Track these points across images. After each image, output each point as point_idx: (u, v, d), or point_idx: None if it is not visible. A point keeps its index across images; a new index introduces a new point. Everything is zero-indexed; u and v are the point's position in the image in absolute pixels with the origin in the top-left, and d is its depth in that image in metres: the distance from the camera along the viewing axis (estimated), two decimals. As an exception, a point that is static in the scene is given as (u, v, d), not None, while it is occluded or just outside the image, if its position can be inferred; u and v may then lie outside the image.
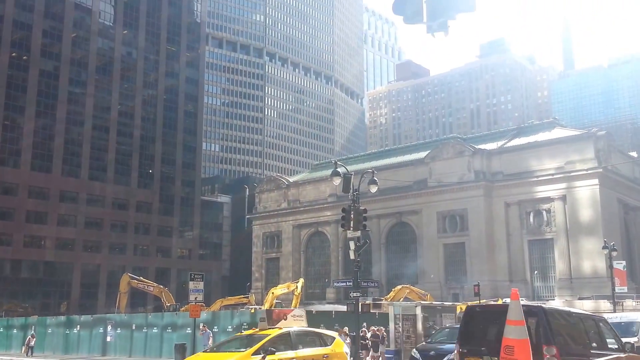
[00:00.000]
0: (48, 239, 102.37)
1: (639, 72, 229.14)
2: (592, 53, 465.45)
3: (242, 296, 70.43)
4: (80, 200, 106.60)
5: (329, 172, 36.35)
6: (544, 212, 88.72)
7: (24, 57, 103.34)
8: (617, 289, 59.01)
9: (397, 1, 13.24)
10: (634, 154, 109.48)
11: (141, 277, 63.93)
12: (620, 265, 63.59)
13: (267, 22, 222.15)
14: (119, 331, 45.30)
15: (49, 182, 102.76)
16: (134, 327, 46.26)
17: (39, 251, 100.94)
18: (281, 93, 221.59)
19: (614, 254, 58.35)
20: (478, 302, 58.94)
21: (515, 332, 11.66)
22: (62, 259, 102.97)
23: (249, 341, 18.44)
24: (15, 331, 56.40)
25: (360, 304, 31.55)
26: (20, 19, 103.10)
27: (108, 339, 45.08)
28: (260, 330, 19.19)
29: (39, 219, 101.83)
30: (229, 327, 39.47)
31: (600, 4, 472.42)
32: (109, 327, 44.75)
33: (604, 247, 58.49)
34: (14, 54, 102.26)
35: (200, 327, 35.29)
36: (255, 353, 17.13)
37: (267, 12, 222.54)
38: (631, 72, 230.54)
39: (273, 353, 17.07)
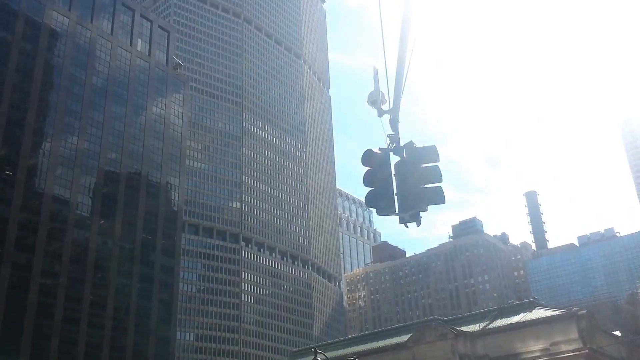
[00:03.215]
0: None
1: (611, 250, 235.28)
2: (563, 231, 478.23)
3: None
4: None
5: (308, 359, 34.91)
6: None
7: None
8: None
9: (370, 194, 13.95)
10: (617, 333, 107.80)
11: None
12: None
13: (243, 208, 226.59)
14: None
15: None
16: None
17: None
18: (258, 278, 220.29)
19: None
20: None
21: None
22: None
23: None
24: None
25: None
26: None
27: None
28: None
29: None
30: None
31: (567, 183, 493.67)
32: None
33: None
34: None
35: None
36: None
37: (243, 199, 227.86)
38: (603, 251, 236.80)
39: None
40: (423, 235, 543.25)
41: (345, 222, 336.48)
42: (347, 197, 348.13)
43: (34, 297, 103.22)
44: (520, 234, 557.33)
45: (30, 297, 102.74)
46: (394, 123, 14.41)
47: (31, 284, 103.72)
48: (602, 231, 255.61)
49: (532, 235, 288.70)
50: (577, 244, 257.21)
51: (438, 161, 14.00)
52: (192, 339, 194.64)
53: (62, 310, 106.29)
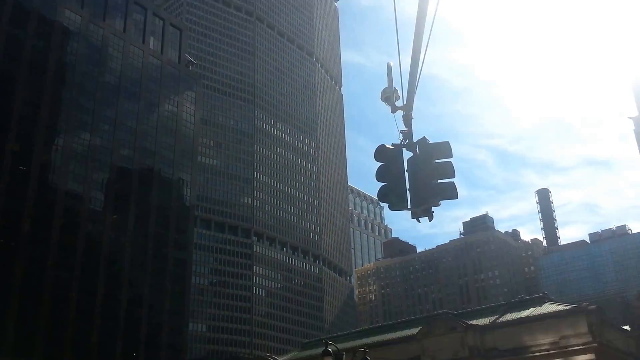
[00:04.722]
0: None
1: (621, 248, 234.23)
2: (574, 228, 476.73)
3: None
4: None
5: (319, 350, 35.65)
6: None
7: (12, 244, 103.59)
8: None
9: (382, 189, 13.92)
10: (626, 327, 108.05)
11: None
12: None
13: (255, 204, 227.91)
14: None
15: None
16: None
17: None
18: (269, 272, 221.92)
19: None
20: None
21: None
22: None
23: None
24: None
25: None
26: (9, 207, 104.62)
27: None
28: None
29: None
30: None
31: (579, 181, 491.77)
32: None
33: None
34: (1, 241, 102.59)
35: None
36: None
37: (255, 194, 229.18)
38: (614, 248, 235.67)
39: None
40: (433, 232, 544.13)
41: (356, 219, 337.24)
42: (358, 194, 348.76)
43: (48, 290, 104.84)
44: (531, 231, 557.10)
45: (45, 289, 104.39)
46: (407, 119, 14.32)
47: (46, 277, 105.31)
48: (614, 228, 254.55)
49: (543, 232, 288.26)
50: (589, 241, 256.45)
51: (451, 157, 13.92)
52: (204, 330, 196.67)
53: (76, 303, 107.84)
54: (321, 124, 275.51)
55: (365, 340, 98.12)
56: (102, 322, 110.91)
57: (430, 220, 13.64)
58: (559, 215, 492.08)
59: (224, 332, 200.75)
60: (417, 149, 13.98)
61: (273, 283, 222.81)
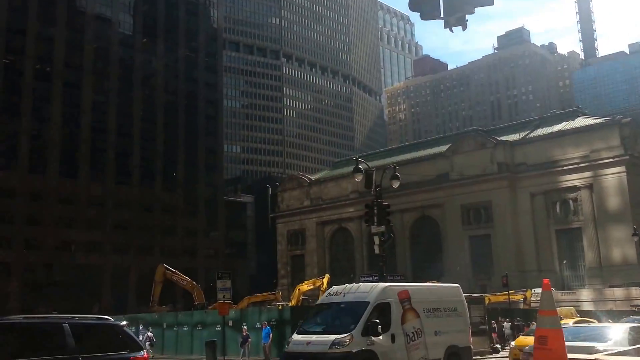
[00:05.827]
0: (78, 243, 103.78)
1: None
2: (613, 39, 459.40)
3: (269, 293, 69.95)
4: (107, 204, 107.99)
5: (350, 169, 36.56)
6: (571, 202, 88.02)
7: (48, 69, 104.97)
8: (647, 276, 58.46)
9: None
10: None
11: (175, 270, 64.92)
12: (650, 252, 62.94)
13: (283, 24, 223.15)
14: (150, 330, 45.39)
15: (77, 187, 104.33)
16: (164, 326, 47.67)
17: (69, 255, 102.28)
18: (299, 93, 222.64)
19: (644, 240, 57.68)
20: (507, 293, 58.77)
21: (548, 322, 11.28)
22: (92, 262, 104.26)
23: None
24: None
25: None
26: (43, 33, 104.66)
27: (140, 337, 45.08)
28: None
29: (68, 224, 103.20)
30: (257, 323, 40.06)
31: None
32: (141, 327, 45.25)
33: (634, 235, 57.91)
34: (37, 67, 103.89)
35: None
36: None
37: (283, 14, 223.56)
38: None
39: None
40: (466, 48, 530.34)
41: (386, 37, 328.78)
42: (388, 10, 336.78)
43: (87, 114, 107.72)
44: (570, 44, 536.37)
45: (83, 113, 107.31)
46: None
47: (83, 101, 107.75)
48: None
49: (582, 44, 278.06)
50: (628, 52, 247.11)
51: (488, -42, 12.98)
52: (238, 151, 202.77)
53: (115, 126, 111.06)
54: None
55: (395, 158, 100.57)
56: (141, 143, 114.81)
57: (464, 30, 12.88)
58: (598, 27, 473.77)
59: (257, 153, 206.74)
60: (451, -48, 12.95)
61: (303, 104, 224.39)
